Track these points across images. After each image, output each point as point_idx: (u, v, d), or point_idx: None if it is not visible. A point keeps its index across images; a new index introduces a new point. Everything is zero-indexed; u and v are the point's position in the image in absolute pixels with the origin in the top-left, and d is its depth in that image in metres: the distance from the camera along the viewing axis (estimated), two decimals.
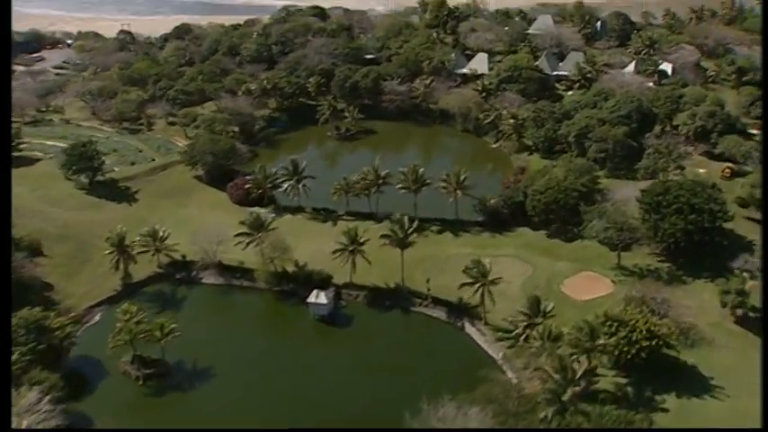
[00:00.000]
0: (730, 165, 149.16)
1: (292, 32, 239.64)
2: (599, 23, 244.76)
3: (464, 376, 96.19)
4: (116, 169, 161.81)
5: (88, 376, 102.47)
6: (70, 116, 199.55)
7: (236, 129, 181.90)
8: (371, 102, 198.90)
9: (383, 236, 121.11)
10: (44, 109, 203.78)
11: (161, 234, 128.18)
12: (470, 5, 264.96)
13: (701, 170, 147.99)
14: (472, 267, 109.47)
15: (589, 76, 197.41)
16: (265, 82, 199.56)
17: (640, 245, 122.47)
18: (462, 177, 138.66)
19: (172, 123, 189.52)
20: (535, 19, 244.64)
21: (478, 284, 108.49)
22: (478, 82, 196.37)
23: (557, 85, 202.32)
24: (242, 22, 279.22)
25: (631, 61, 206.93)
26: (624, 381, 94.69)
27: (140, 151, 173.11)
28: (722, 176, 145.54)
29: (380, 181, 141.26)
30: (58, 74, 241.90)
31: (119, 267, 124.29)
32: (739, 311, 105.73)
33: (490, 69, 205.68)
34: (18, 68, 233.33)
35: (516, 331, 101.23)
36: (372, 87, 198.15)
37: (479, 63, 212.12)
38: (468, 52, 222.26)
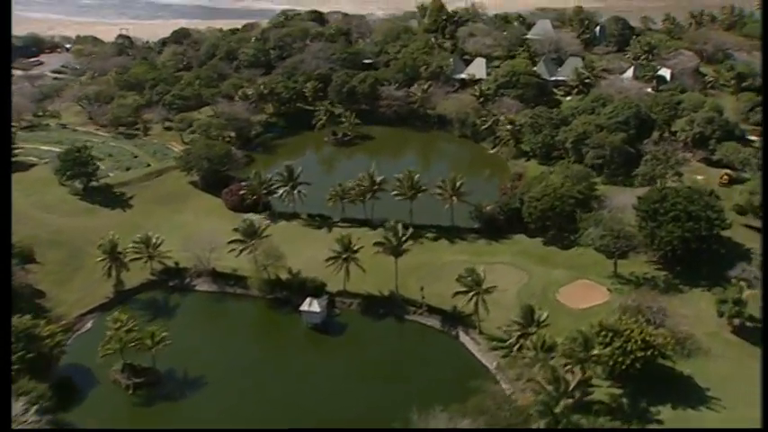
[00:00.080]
0: (728, 171, 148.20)
1: (290, 37, 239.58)
2: (598, 28, 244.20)
3: (457, 386, 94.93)
4: (111, 174, 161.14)
5: (78, 385, 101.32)
6: (67, 121, 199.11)
7: (233, 134, 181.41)
8: (369, 107, 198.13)
9: (377, 243, 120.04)
10: (41, 113, 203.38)
11: (154, 241, 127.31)
12: (469, 10, 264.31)
13: (700, 177, 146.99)
14: (466, 276, 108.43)
15: (587, 81, 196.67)
16: (262, 87, 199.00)
17: (637, 252, 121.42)
18: (458, 184, 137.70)
19: (168, 128, 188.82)
20: (534, 24, 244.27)
21: (472, 293, 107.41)
22: (476, 87, 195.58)
23: (555, 90, 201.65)
24: (240, 27, 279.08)
25: (630, 67, 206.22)
26: (619, 392, 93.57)
27: (136, 156, 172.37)
28: (720, 183, 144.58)
29: (375, 187, 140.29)
30: (56, 78, 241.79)
31: (111, 274, 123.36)
32: (736, 321, 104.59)
33: (488, 74, 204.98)
34: (16, 73, 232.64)
35: (510, 341, 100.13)
36: (370, 92, 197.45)
37: (477, 68, 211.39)
38: (466, 57, 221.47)
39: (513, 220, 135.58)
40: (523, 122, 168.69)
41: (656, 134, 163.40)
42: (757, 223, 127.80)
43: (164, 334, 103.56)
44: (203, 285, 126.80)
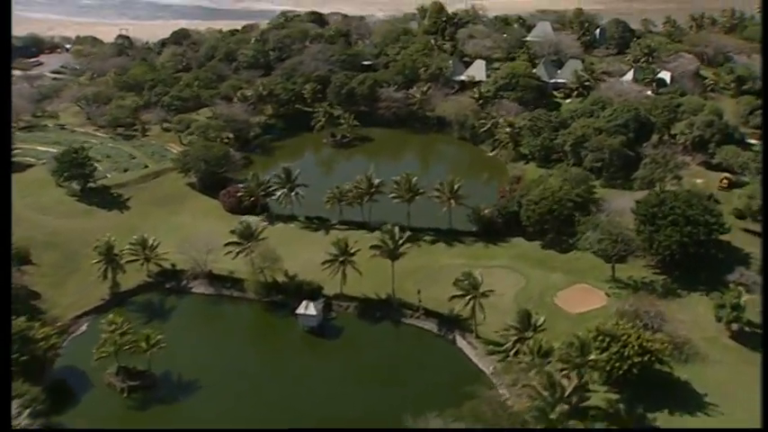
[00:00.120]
0: (728, 175, 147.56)
1: (290, 38, 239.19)
2: (598, 31, 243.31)
3: (453, 391, 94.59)
4: (108, 176, 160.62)
5: (72, 388, 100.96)
6: (65, 122, 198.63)
7: (231, 135, 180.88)
8: (368, 109, 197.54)
9: (373, 246, 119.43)
10: (39, 114, 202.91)
11: (151, 243, 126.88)
12: (469, 12, 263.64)
13: (699, 180, 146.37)
14: (463, 279, 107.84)
15: (587, 84, 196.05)
16: (261, 88, 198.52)
17: (636, 257, 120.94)
18: (456, 187, 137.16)
19: (167, 130, 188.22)
20: (534, 26, 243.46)
21: (469, 297, 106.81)
22: (476, 89, 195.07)
23: (554, 92, 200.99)
24: (240, 28, 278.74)
25: (630, 69, 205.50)
26: (616, 397, 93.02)
27: (134, 158, 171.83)
28: (720, 187, 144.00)
29: (373, 190, 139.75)
30: (55, 79, 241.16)
31: (107, 276, 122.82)
32: (734, 326, 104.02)
33: (488, 76, 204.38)
34: (15, 73, 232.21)
35: (506, 345, 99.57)
36: (369, 94, 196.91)
37: (477, 70, 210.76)
38: (466, 59, 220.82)
39: (512, 224, 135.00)
40: (522, 125, 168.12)
41: (655, 137, 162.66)
42: (756, 227, 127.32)
43: (159, 337, 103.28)
44: (200, 288, 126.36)
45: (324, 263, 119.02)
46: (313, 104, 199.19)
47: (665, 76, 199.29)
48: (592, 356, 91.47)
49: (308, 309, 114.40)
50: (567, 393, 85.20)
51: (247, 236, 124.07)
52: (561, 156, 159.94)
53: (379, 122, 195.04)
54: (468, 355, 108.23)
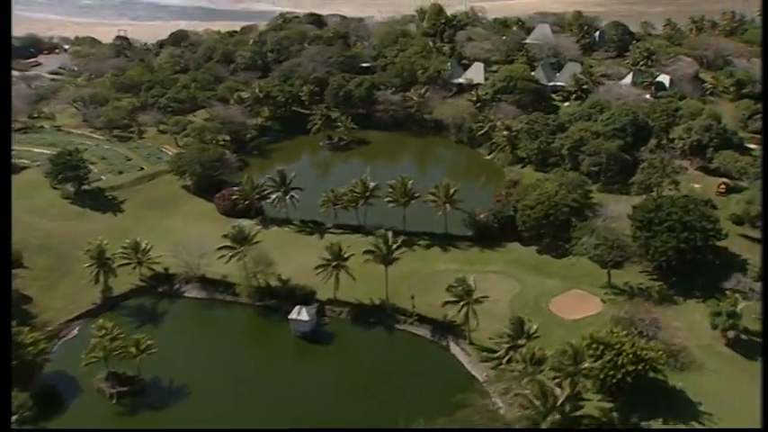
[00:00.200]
0: (726, 180, 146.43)
1: (288, 40, 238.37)
2: (597, 33, 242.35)
3: (446, 398, 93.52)
4: (103, 178, 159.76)
5: (61, 394, 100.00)
6: (62, 123, 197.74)
7: (227, 138, 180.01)
8: (365, 111, 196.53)
9: (366, 251, 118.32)
10: (35, 115, 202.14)
11: (143, 246, 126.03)
12: (468, 14, 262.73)
13: (697, 185, 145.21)
14: (456, 285, 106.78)
15: (585, 87, 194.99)
16: (258, 90, 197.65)
17: (632, 263, 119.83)
18: (452, 190, 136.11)
19: (163, 132, 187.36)
20: (533, 28, 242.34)
21: (463, 303, 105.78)
22: (474, 92, 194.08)
23: (553, 95, 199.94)
24: (239, 29, 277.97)
25: (629, 72, 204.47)
26: (610, 406, 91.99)
27: (129, 160, 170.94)
28: (718, 192, 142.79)
29: (368, 194, 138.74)
30: (53, 80, 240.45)
31: (99, 280, 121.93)
32: (730, 334, 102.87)
33: (486, 79, 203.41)
34: (13, 74, 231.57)
35: (499, 353, 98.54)
36: (366, 97, 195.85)
37: (475, 73, 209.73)
38: (464, 62, 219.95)
39: (507, 228, 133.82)
40: (520, 128, 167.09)
41: (653, 141, 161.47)
42: (754, 233, 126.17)
43: (149, 342, 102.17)
44: (192, 292, 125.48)
45: (317, 267, 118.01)
46: (310, 107, 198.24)
47: (664, 79, 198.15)
48: (585, 365, 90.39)
49: (301, 314, 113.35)
50: (559, 402, 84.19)
51: (241, 240, 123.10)
52: (558, 159, 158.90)
53: (376, 125, 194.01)
54: (461, 361, 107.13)
